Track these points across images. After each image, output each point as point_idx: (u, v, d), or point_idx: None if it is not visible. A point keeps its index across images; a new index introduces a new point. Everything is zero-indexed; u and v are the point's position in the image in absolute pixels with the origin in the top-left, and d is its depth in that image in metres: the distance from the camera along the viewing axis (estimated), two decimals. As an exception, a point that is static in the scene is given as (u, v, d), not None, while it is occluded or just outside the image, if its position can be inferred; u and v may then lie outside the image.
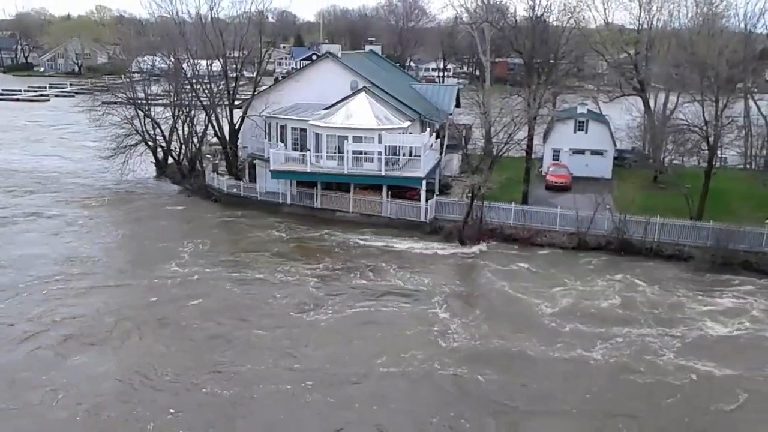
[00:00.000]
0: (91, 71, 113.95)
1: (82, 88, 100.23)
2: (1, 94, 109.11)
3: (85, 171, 52.75)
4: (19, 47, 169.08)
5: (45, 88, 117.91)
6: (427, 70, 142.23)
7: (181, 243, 35.14)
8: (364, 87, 42.11)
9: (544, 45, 43.59)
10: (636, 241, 34.97)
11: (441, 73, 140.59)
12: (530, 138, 41.60)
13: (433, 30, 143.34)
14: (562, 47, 45.64)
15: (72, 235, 36.86)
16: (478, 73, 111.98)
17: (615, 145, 50.52)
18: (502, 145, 37.38)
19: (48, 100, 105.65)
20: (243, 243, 35.85)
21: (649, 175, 46.57)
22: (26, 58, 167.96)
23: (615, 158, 50.69)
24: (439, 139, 45.78)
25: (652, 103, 52.52)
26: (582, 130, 49.96)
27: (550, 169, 47.73)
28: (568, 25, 47.38)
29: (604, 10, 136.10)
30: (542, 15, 43.92)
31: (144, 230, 38.34)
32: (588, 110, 51.17)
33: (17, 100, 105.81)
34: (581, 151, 49.94)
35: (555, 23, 46.47)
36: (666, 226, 35.08)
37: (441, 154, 45.16)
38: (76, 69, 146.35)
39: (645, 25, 54.60)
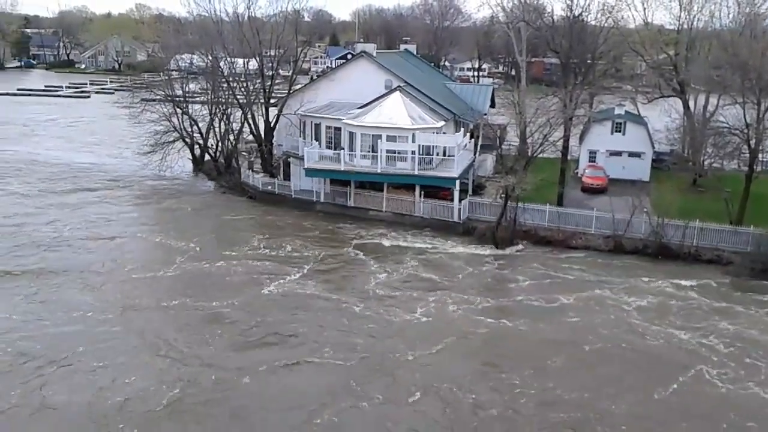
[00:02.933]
0: (131, 69, 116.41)
1: (121, 85, 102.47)
2: (44, 91, 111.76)
3: (124, 167, 53.71)
4: (62, 44, 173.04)
5: (86, 84, 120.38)
6: (462, 69, 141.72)
7: (211, 237, 35.72)
8: (399, 86, 42.12)
9: (581, 45, 43.03)
10: (674, 245, 34.36)
11: (476, 73, 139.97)
12: (566, 139, 41.15)
13: (469, 29, 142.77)
14: (600, 47, 45.03)
15: (113, 228, 37.60)
16: (513, 72, 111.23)
17: (653, 148, 49.70)
18: (537, 145, 37.06)
19: (88, 97, 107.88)
20: (276, 240, 36.09)
21: (687, 179, 45.72)
22: (68, 55, 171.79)
23: (653, 161, 49.87)
24: (473, 139, 45.59)
25: (691, 105, 51.55)
26: (619, 131, 49.27)
27: (586, 170, 47.16)
28: (606, 24, 46.73)
29: (644, 9, 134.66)
30: (580, 14, 43.38)
31: (180, 226, 38.85)
32: (626, 111, 50.43)
33: (59, 96, 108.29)
34: (618, 153, 49.24)
35: (593, 23, 45.86)
36: (705, 231, 34.41)
37: (475, 154, 44.97)
38: (116, 66, 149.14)
39: (685, 26, 53.69)
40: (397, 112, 39.55)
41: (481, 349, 24.54)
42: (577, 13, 43.25)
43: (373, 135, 39.08)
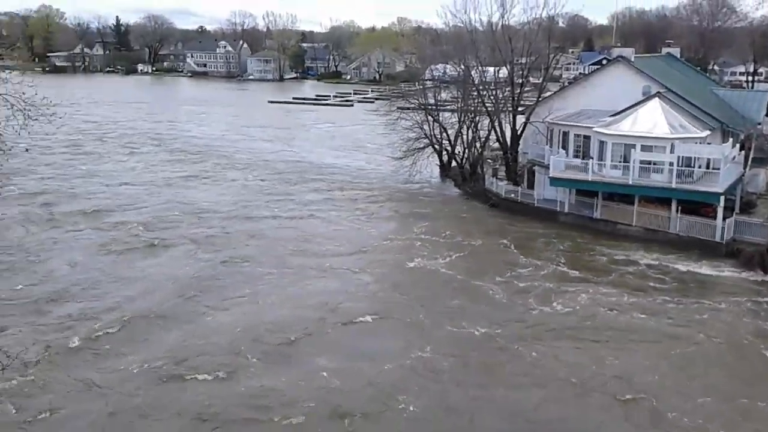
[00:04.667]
0: (390, 79, 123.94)
1: (380, 95, 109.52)
2: (315, 99, 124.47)
3: (378, 170, 57.38)
4: (331, 57, 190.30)
5: (350, 94, 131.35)
6: (733, 74, 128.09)
7: (455, 239, 36.57)
8: (658, 92, 39.34)
9: None
10: None
11: (750, 78, 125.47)
12: None
13: (743, 30, 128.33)
14: None
15: (366, 224, 40.39)
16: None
17: None
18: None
19: (352, 105, 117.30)
20: (519, 250, 35.83)
21: None
22: (336, 67, 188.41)
23: None
24: (743, 152, 40.95)
25: None
26: None
27: None
28: None
29: None
30: None
31: (427, 228, 40.36)
32: None
33: (327, 104, 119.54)
34: None
35: None
36: None
37: (745, 168, 40.35)
38: (377, 77, 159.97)
39: None
40: (654, 120, 36.99)
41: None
42: None
43: (625, 144, 36.98)
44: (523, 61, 49.40)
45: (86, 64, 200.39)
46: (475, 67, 52.02)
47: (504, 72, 50.45)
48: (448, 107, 56.73)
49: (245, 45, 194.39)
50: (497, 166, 50.81)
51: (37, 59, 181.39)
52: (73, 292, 28.80)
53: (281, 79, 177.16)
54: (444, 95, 57.82)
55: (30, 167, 51.59)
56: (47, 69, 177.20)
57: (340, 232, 39.03)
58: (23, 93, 13.03)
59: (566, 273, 32.01)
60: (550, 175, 39.70)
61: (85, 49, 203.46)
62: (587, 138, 39.82)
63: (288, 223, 40.52)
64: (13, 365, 13.76)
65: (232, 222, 40.19)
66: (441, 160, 54.85)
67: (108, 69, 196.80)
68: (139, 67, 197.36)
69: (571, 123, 41.30)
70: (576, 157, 40.38)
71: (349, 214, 43.15)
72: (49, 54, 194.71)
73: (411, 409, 20.15)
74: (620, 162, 37.16)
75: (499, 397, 21.06)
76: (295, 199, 46.55)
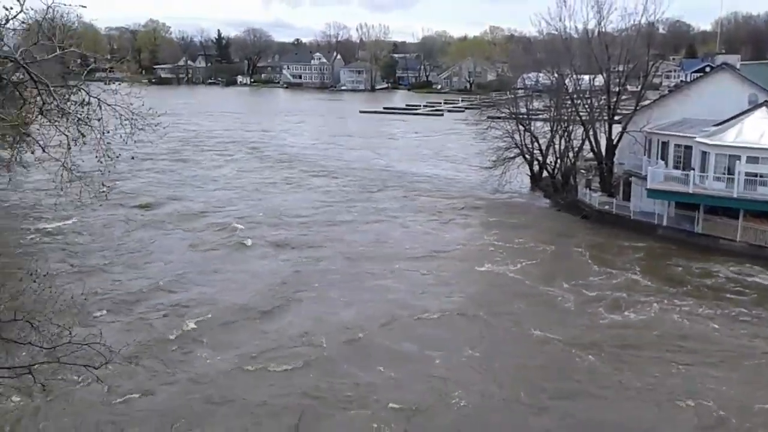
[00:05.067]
0: (480, 88, 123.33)
1: (471, 104, 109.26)
2: (405, 109, 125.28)
3: (465, 179, 56.99)
4: (422, 67, 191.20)
5: (440, 104, 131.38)
6: None
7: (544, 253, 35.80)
8: (765, 101, 37.24)
9: None
10: None
11: None
12: None
13: None
14: None
15: (454, 231, 40.28)
16: None
17: None
18: None
19: (442, 115, 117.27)
20: (609, 263, 34.68)
21: None
22: (427, 76, 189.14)
23: None
24: None
25: None
26: None
27: None
28: None
29: None
30: None
31: (515, 239, 39.78)
32: None
33: (417, 114, 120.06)
34: None
35: None
36: None
37: None
38: (468, 86, 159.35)
39: None
40: (761, 130, 35.04)
41: None
42: None
43: (729, 155, 35.19)
44: (621, 68, 47.93)
45: (189, 76, 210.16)
46: (570, 75, 50.91)
47: (600, 80, 49.09)
48: (540, 116, 55.76)
49: (339, 56, 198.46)
50: (591, 177, 49.44)
51: (144, 71, 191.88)
52: (168, 287, 30.64)
53: (373, 89, 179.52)
54: (536, 104, 56.93)
55: (133, 173, 54.62)
56: (153, 81, 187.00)
57: (416, 236, 39.57)
58: (131, 104, 13.82)
59: (667, 290, 30.60)
60: (648, 187, 38.30)
61: (189, 62, 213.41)
62: (688, 148, 38.15)
63: (364, 227, 41.61)
64: (114, 356, 14.60)
65: (311, 225, 41.83)
66: (531, 170, 53.93)
67: (209, 81, 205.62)
68: (239, 78, 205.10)
69: (672, 132, 39.70)
70: (676, 168, 38.76)
71: (429, 220, 43.25)
72: (155, 66, 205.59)
73: (462, 404, 20.71)
74: (724, 174, 35.37)
75: (553, 399, 21.08)
76: (375, 206, 47.27)
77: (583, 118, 48.03)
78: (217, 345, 24.62)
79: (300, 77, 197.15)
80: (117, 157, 13.79)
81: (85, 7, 12.09)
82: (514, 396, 21.29)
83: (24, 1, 10.61)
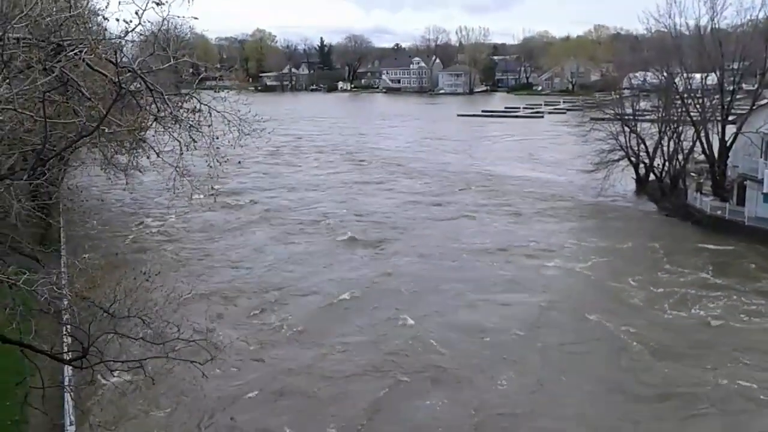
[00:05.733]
0: (583, 89, 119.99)
1: (573, 106, 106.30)
2: (503, 112, 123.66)
3: (565, 182, 55.61)
4: (522, 69, 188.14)
5: (540, 105, 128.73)
6: None
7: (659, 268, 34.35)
8: None
9: None
10: None
11: None
12: None
13: None
14: None
15: (558, 236, 39.45)
16: None
17: None
18: None
19: (542, 117, 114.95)
20: (727, 275, 32.76)
21: None
22: (527, 78, 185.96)
23: None
24: None
25: None
26: None
27: None
28: None
29: None
30: None
31: (616, 246, 38.40)
32: None
33: (516, 116, 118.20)
34: None
35: None
36: None
37: None
38: (570, 87, 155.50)
39: None
40: None
41: None
42: None
43: None
44: (735, 66, 45.33)
45: (293, 83, 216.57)
46: (680, 74, 48.64)
47: (712, 78, 46.59)
48: (647, 117, 53.57)
49: (437, 60, 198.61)
50: (702, 180, 46.99)
51: (251, 79, 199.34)
52: (271, 284, 31.80)
53: (471, 92, 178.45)
54: (643, 104, 54.75)
55: (235, 174, 56.97)
56: (259, 88, 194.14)
57: (513, 235, 39.76)
58: (238, 110, 14.50)
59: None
60: (765, 191, 36.20)
61: (293, 69, 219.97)
62: (812, 150, 35.58)
63: (441, 225, 42.71)
64: (218, 352, 15.30)
65: (393, 221, 43.55)
66: (637, 174, 51.89)
67: (312, 87, 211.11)
68: (339, 84, 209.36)
69: (793, 133, 37.14)
70: (797, 171, 36.24)
71: (535, 221, 42.71)
72: (261, 74, 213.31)
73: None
74: None
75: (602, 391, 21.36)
76: (459, 206, 47.96)
77: (695, 118, 45.77)
78: (320, 340, 25.21)
79: (399, 82, 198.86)
80: (225, 160, 14.49)
81: (197, 18, 12.81)
82: (569, 386, 20.57)
83: (142, 15, 11.33)
